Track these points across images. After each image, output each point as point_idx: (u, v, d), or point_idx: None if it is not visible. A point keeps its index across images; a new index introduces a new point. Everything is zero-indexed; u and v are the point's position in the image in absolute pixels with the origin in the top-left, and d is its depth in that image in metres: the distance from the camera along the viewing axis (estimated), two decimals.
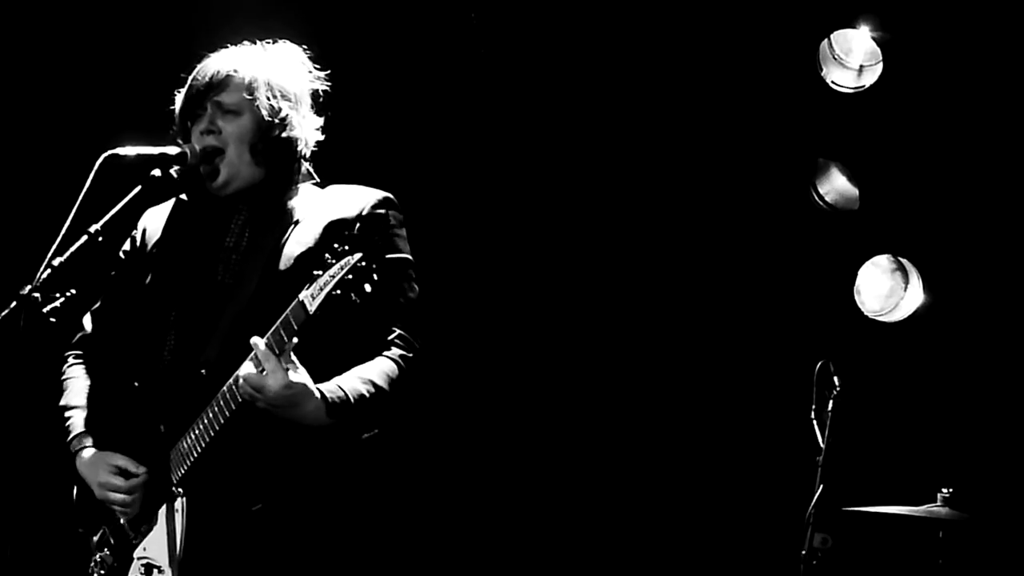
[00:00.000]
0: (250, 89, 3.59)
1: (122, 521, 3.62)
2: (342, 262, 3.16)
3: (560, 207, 6.08)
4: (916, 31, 5.72)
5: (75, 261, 3.30)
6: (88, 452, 3.66)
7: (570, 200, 6.08)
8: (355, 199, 3.62)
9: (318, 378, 3.36)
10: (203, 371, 3.48)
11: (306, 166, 3.74)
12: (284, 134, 3.63)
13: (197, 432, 3.44)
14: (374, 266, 3.15)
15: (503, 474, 6.07)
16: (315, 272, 3.20)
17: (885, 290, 6.07)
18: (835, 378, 5.22)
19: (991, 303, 5.91)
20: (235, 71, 3.61)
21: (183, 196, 3.75)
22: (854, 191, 6.03)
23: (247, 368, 3.30)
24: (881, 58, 5.79)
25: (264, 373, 3.26)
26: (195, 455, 3.45)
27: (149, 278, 3.69)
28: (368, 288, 3.14)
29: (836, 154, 6.05)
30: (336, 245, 3.20)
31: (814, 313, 5.98)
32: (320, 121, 3.75)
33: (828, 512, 5.08)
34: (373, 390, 3.43)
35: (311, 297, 3.18)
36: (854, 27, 5.78)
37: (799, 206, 6.08)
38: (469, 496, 6.06)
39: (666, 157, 6.05)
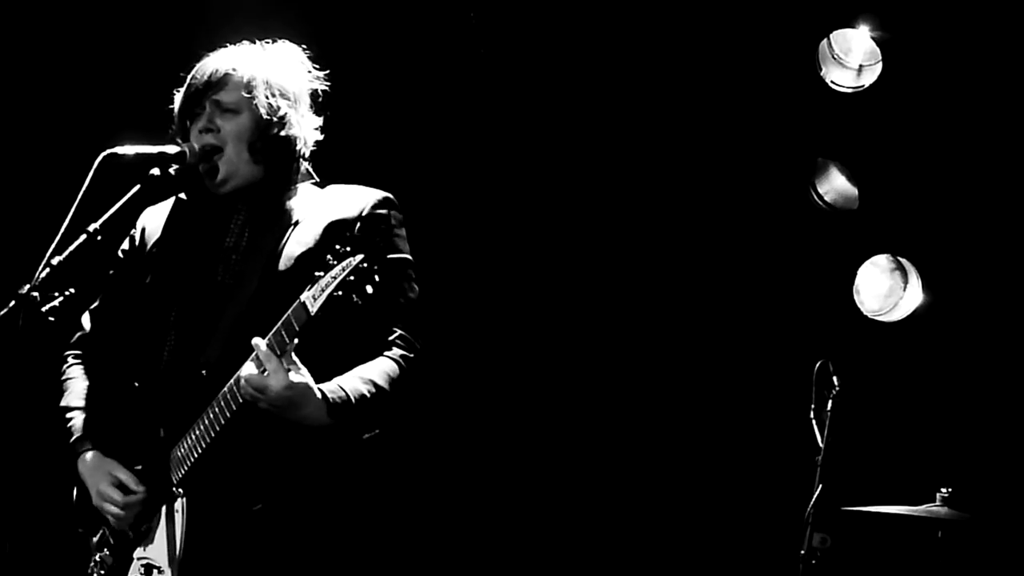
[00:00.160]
0: (249, 88, 3.59)
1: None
2: (344, 263, 3.16)
3: (560, 207, 6.08)
4: (915, 31, 5.72)
5: (74, 260, 3.30)
6: (90, 455, 3.66)
7: (570, 200, 6.08)
8: (355, 199, 3.62)
9: (319, 378, 3.36)
10: (203, 372, 3.48)
11: (305, 165, 3.74)
12: (283, 133, 3.63)
13: (197, 433, 3.44)
14: (376, 267, 3.15)
15: (503, 474, 6.07)
16: (316, 273, 3.20)
17: (884, 290, 6.07)
18: (834, 378, 5.22)
19: (990, 303, 5.91)
20: (234, 70, 3.61)
21: (182, 195, 3.75)
22: (853, 191, 6.03)
23: (249, 369, 3.30)
24: (880, 58, 5.79)
25: (266, 374, 3.27)
26: (195, 456, 3.45)
27: (149, 278, 3.68)
28: (370, 289, 3.14)
29: (835, 154, 6.05)
30: (337, 246, 3.20)
31: (813, 313, 5.98)
32: (319, 121, 3.75)
33: (827, 512, 5.08)
34: (374, 390, 3.43)
35: (313, 298, 3.18)
36: (853, 27, 5.78)
37: (798, 206, 6.07)
38: (469, 496, 6.06)
39: (666, 157, 6.05)
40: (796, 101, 5.92)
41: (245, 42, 3.72)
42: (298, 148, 3.67)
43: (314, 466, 3.49)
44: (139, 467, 3.60)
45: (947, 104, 5.78)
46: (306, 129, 3.70)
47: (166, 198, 3.79)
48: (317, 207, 3.62)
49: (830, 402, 5.19)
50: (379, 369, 3.48)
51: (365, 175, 3.77)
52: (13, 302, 3.24)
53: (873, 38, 5.76)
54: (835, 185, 6.10)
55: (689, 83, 5.95)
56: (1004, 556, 5.65)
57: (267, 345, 3.27)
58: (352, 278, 3.14)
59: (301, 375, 3.30)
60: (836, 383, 5.21)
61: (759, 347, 6.00)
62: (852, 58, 5.90)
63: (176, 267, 3.65)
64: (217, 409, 3.40)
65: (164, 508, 3.53)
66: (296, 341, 3.25)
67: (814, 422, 5.19)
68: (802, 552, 5.05)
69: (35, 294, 3.24)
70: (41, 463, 4.63)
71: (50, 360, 3.89)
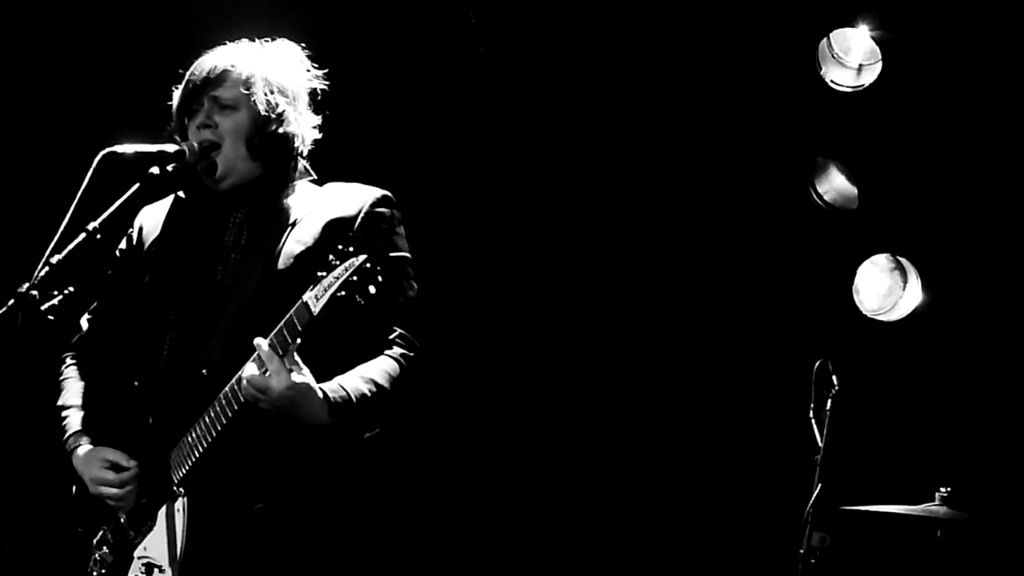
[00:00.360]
0: (247, 84, 3.59)
1: (122, 519, 3.62)
2: (346, 263, 3.16)
3: (560, 206, 6.08)
4: (915, 30, 5.72)
5: (73, 259, 3.30)
6: (83, 449, 3.66)
7: (570, 199, 6.08)
8: (354, 197, 3.62)
9: (320, 377, 3.36)
10: (204, 371, 3.48)
11: (303, 163, 3.74)
12: (280, 130, 3.63)
13: (198, 432, 3.44)
14: (378, 267, 3.15)
15: (503, 474, 6.07)
16: (319, 273, 3.20)
17: (884, 289, 6.07)
18: (833, 377, 5.21)
19: (990, 302, 5.91)
20: (232, 66, 3.61)
21: (180, 194, 3.75)
22: (853, 190, 6.02)
23: (250, 369, 3.30)
24: (880, 57, 5.79)
25: (267, 374, 3.27)
26: (196, 455, 3.45)
27: (147, 277, 3.68)
28: (372, 290, 3.14)
29: (835, 153, 6.05)
30: (340, 245, 3.20)
31: (813, 312, 5.97)
32: (318, 119, 3.75)
33: (826, 511, 5.07)
34: (375, 389, 3.43)
35: (315, 298, 3.18)
36: (853, 26, 5.78)
37: (798, 205, 6.07)
38: (469, 496, 6.06)
39: (665, 156, 6.05)
40: (796, 100, 5.92)
41: (244, 40, 3.72)
42: (296, 146, 3.67)
43: (315, 465, 3.49)
44: (136, 463, 3.60)
45: (947, 104, 5.78)
46: (304, 127, 3.70)
47: (164, 196, 3.79)
48: (316, 205, 3.62)
49: (829, 401, 5.18)
50: (380, 368, 3.48)
51: (364, 174, 3.77)
52: (12, 300, 3.23)
53: (873, 37, 5.76)
54: (835, 184, 6.10)
55: (689, 82, 5.95)
56: (1003, 556, 5.65)
57: (269, 345, 3.27)
58: (355, 278, 3.14)
59: (303, 375, 3.30)
60: (835, 382, 5.20)
61: (759, 346, 6.00)
62: (852, 57, 5.90)
63: (175, 266, 3.64)
64: (218, 409, 3.40)
65: (165, 507, 3.53)
66: (298, 341, 3.25)
67: (813, 421, 5.19)
68: (801, 551, 5.04)
69: (34, 293, 3.24)
70: (41, 463, 4.63)
71: (50, 359, 3.89)
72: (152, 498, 3.56)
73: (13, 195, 5.61)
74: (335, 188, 3.70)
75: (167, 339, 3.58)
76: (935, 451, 5.74)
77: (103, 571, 3.62)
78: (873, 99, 5.82)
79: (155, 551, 3.52)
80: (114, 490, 3.57)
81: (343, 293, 3.15)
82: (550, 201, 6.07)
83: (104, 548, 3.63)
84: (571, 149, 6.05)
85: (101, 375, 3.80)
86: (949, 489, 4.98)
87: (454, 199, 6.00)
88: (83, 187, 3.35)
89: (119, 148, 3.45)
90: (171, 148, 3.54)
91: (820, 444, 5.14)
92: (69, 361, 3.87)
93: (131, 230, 3.81)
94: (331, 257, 3.19)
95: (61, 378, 3.84)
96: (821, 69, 5.90)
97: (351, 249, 3.18)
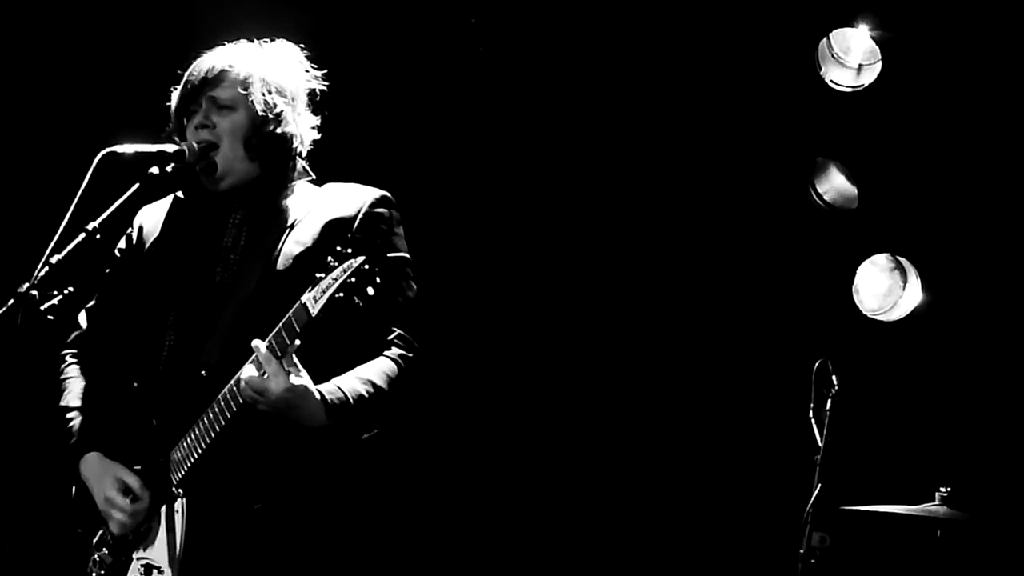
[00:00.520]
0: (245, 85, 3.59)
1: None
2: (345, 265, 3.15)
3: (559, 206, 6.08)
4: (915, 30, 5.71)
5: (73, 258, 3.30)
6: (93, 457, 3.64)
7: (569, 199, 6.08)
8: (353, 198, 3.62)
9: (318, 378, 3.36)
10: (203, 372, 3.47)
11: (302, 164, 3.74)
12: (278, 130, 3.63)
13: (197, 433, 3.44)
14: (377, 269, 3.15)
15: (503, 474, 6.07)
16: (317, 274, 3.19)
17: (883, 289, 6.07)
18: (833, 377, 5.21)
19: (990, 302, 5.90)
20: (230, 66, 3.61)
21: (179, 194, 3.75)
22: (853, 190, 6.02)
23: (249, 371, 3.30)
24: (880, 57, 5.79)
25: (266, 376, 3.27)
26: (195, 456, 3.45)
27: (146, 277, 3.68)
28: (371, 291, 3.14)
29: (835, 153, 6.05)
30: (338, 247, 3.19)
31: (812, 312, 5.97)
32: (317, 120, 3.75)
33: (826, 511, 5.07)
34: (373, 390, 3.43)
35: (313, 300, 3.18)
36: (853, 26, 5.78)
37: (798, 205, 6.07)
38: (468, 496, 6.05)
39: (665, 156, 6.05)
40: (796, 100, 5.91)
41: (243, 40, 3.72)
42: (294, 146, 3.67)
43: (313, 466, 3.49)
44: (139, 467, 3.59)
45: (947, 103, 5.78)
46: (303, 127, 3.70)
47: (164, 196, 3.79)
48: (314, 206, 3.62)
49: (829, 401, 5.18)
50: (378, 369, 3.48)
51: (363, 174, 3.77)
52: (12, 300, 3.23)
53: (872, 37, 5.76)
54: (834, 184, 6.10)
55: (689, 82, 5.94)
56: (1003, 556, 5.64)
57: (267, 347, 3.27)
58: (353, 280, 3.14)
59: (301, 377, 3.30)
60: (835, 382, 5.20)
61: (759, 346, 6.00)
62: (852, 57, 5.90)
63: (174, 267, 3.64)
64: (216, 410, 3.40)
65: (164, 509, 3.52)
66: (297, 343, 3.25)
67: (813, 421, 5.19)
68: (801, 551, 5.04)
69: (34, 292, 3.24)
70: (40, 462, 4.63)
71: (49, 358, 3.88)
72: (152, 499, 3.56)
73: (13, 195, 5.60)
74: (334, 188, 3.69)
75: (166, 340, 3.58)
76: (935, 451, 5.74)
77: (102, 572, 3.61)
78: (873, 99, 5.82)
79: (154, 552, 3.52)
80: (123, 517, 3.56)
81: (341, 295, 3.14)
82: (550, 201, 6.07)
83: (103, 549, 3.62)
84: (571, 149, 6.05)
85: (101, 375, 3.79)
86: (949, 489, 4.98)
87: (454, 199, 6.00)
88: (83, 187, 3.35)
89: (119, 148, 3.45)
90: (170, 148, 3.54)
91: (820, 444, 5.14)
92: (69, 360, 3.86)
93: (130, 230, 3.80)
94: (329, 258, 3.18)
95: (62, 377, 3.83)
96: (821, 69, 5.90)
97: (349, 250, 3.17)
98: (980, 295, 5.91)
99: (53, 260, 3.28)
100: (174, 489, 3.50)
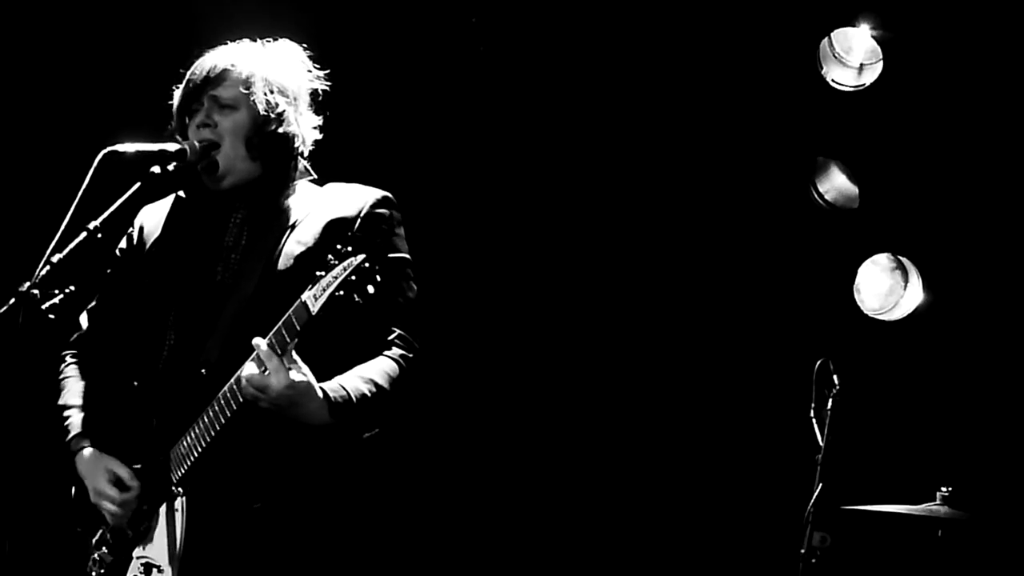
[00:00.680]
0: (247, 84, 3.59)
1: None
2: (345, 263, 3.15)
3: (560, 206, 6.08)
4: (916, 30, 5.72)
5: (74, 258, 3.30)
6: (88, 452, 3.66)
7: (570, 199, 6.08)
8: (354, 198, 3.62)
9: (319, 377, 3.36)
10: (203, 371, 3.47)
11: (303, 163, 3.73)
12: (280, 130, 3.62)
13: (197, 432, 3.44)
14: (377, 267, 3.15)
15: (503, 474, 6.07)
16: (317, 273, 3.19)
17: (885, 288, 6.07)
18: (834, 376, 5.22)
19: (991, 302, 5.91)
20: (232, 66, 3.60)
21: (181, 193, 3.75)
22: (854, 189, 6.03)
23: (249, 369, 3.30)
24: (881, 56, 5.79)
25: (267, 373, 3.26)
26: (195, 455, 3.45)
27: (147, 277, 3.68)
28: (371, 289, 3.14)
29: (836, 152, 6.05)
30: (339, 246, 3.19)
31: (814, 311, 5.97)
32: (318, 120, 3.74)
33: (827, 511, 5.07)
34: (375, 389, 3.43)
35: (314, 298, 3.18)
36: (854, 25, 5.78)
37: (799, 204, 6.07)
38: (469, 496, 6.06)
39: (666, 156, 6.05)
40: (797, 100, 5.92)
41: (246, 40, 3.72)
42: (296, 146, 3.67)
43: (314, 465, 3.49)
44: (138, 466, 3.60)
45: (948, 103, 5.78)
46: (304, 127, 3.69)
47: (165, 196, 3.78)
48: (316, 206, 3.61)
49: (830, 401, 5.19)
50: (379, 368, 3.47)
51: (364, 174, 3.76)
52: (13, 300, 3.23)
53: (874, 37, 5.76)
54: (836, 184, 6.10)
55: (690, 82, 5.94)
56: (1004, 555, 5.64)
57: (268, 344, 3.27)
58: (353, 278, 3.14)
59: (303, 373, 3.30)
60: (836, 382, 5.21)
61: (759, 346, 6.00)
62: (853, 57, 5.90)
63: (175, 266, 3.64)
64: (217, 408, 3.40)
65: (164, 507, 3.52)
66: (296, 340, 3.25)
67: (814, 421, 5.19)
68: (802, 551, 5.04)
69: (35, 292, 3.24)
70: (40, 461, 4.63)
71: (50, 358, 3.88)
72: (151, 498, 3.56)
73: (13, 195, 5.60)
74: (335, 188, 3.69)
75: (167, 339, 3.58)
76: (935, 451, 5.74)
77: (102, 571, 3.61)
78: (874, 98, 5.82)
79: (154, 551, 3.52)
80: (113, 507, 3.57)
81: (341, 293, 3.14)
82: (550, 201, 6.07)
83: (103, 548, 3.63)
84: (572, 149, 6.05)
85: (101, 374, 3.80)
86: (949, 489, 4.98)
87: (454, 200, 6.00)
88: (84, 186, 3.35)
89: (120, 147, 3.44)
90: (172, 147, 3.53)
91: (821, 444, 5.14)
92: (69, 360, 3.86)
93: (131, 229, 3.80)
94: (330, 257, 3.18)
95: (61, 377, 3.84)
96: (822, 68, 5.90)
97: (350, 249, 3.17)
98: (980, 295, 5.91)
99: (54, 259, 3.27)
100: (174, 488, 3.50)
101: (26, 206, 5.39)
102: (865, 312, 6.00)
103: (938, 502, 4.99)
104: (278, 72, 3.65)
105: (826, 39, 5.88)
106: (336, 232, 3.49)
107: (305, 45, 3.78)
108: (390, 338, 3.53)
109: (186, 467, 3.47)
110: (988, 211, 5.87)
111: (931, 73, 5.76)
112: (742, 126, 5.99)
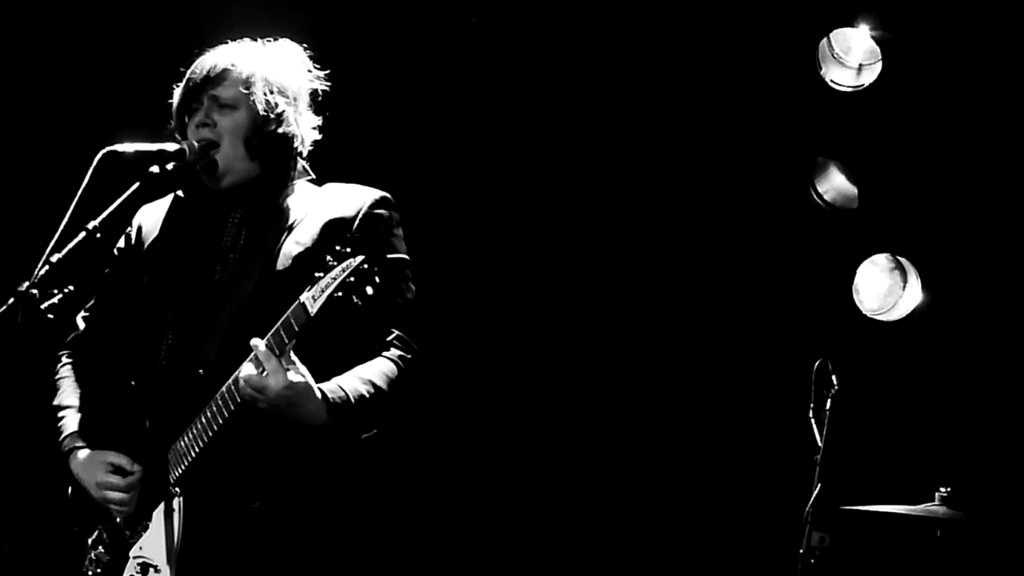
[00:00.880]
0: (247, 84, 3.59)
1: (118, 520, 3.61)
2: (344, 264, 3.16)
3: (559, 206, 6.08)
4: (915, 30, 5.71)
5: (73, 257, 3.30)
6: (83, 452, 3.66)
7: (569, 199, 6.08)
8: (353, 198, 3.62)
9: (317, 378, 3.36)
10: (200, 371, 3.47)
11: (302, 163, 3.74)
12: (280, 130, 3.62)
13: (195, 432, 3.44)
14: (376, 269, 3.15)
15: (501, 475, 6.07)
16: (316, 274, 3.20)
17: (884, 289, 6.06)
18: (833, 377, 5.21)
19: (990, 302, 5.90)
20: (232, 65, 3.61)
21: (179, 193, 3.75)
22: (853, 190, 6.03)
23: (247, 369, 3.30)
24: (880, 57, 5.79)
25: (265, 374, 3.27)
26: (193, 455, 3.45)
27: (145, 277, 3.68)
28: (370, 291, 3.14)
29: (835, 153, 6.05)
30: (337, 247, 3.20)
31: (812, 312, 5.97)
32: (318, 120, 3.74)
33: (826, 511, 5.07)
34: (373, 391, 3.43)
35: (312, 299, 3.18)
36: (853, 26, 5.78)
37: (798, 205, 6.07)
38: (467, 496, 6.05)
39: (665, 156, 6.05)
40: (796, 100, 5.91)
41: (246, 40, 3.72)
42: (295, 146, 3.67)
43: (312, 465, 3.49)
44: (140, 467, 3.59)
45: (947, 103, 5.78)
46: (304, 127, 3.69)
47: (164, 195, 3.79)
48: (315, 206, 3.62)
49: (829, 401, 5.18)
50: (377, 370, 3.48)
51: (364, 174, 3.76)
52: (12, 299, 3.23)
53: (873, 37, 5.76)
54: (835, 184, 6.10)
55: (689, 82, 5.94)
56: (1003, 556, 5.64)
57: (266, 345, 3.27)
58: (352, 279, 3.14)
59: (301, 374, 3.30)
60: (835, 382, 5.20)
61: (759, 346, 6.00)
62: (852, 57, 5.89)
63: (173, 266, 3.64)
64: (214, 409, 3.40)
65: (161, 507, 3.53)
66: (294, 341, 3.25)
67: (813, 421, 5.19)
68: (801, 551, 5.04)
69: (34, 291, 3.24)
70: (39, 461, 4.63)
71: (49, 358, 3.88)
72: (148, 498, 3.56)
73: (13, 195, 5.60)
74: (334, 189, 3.69)
75: (165, 339, 3.58)
76: (935, 451, 5.74)
77: (99, 570, 3.61)
78: (873, 99, 5.82)
79: (151, 550, 3.52)
80: (119, 494, 3.56)
81: (340, 294, 3.15)
82: (549, 202, 6.07)
83: (100, 547, 3.63)
84: (571, 149, 6.04)
85: (98, 374, 3.79)
86: (949, 489, 4.98)
87: (454, 200, 6.00)
88: (83, 186, 3.35)
89: (119, 147, 3.45)
90: (171, 147, 3.53)
91: (820, 444, 5.14)
92: (65, 360, 3.86)
93: (130, 229, 3.80)
94: (328, 258, 3.19)
95: (57, 377, 3.84)
96: (821, 69, 5.90)
97: (348, 250, 3.18)
98: (980, 295, 5.91)
99: (53, 259, 3.28)
100: (171, 488, 3.50)
101: (26, 206, 5.39)
102: (864, 312, 6.00)
103: (937, 502, 4.98)
104: (278, 72, 3.65)
105: (825, 39, 5.88)
106: (334, 232, 3.49)
107: (305, 45, 3.78)
108: (388, 339, 3.53)
109: (184, 467, 3.47)
110: (987, 211, 5.87)
111: (930, 73, 5.75)
112: (741, 126, 5.98)
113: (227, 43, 3.70)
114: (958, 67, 5.72)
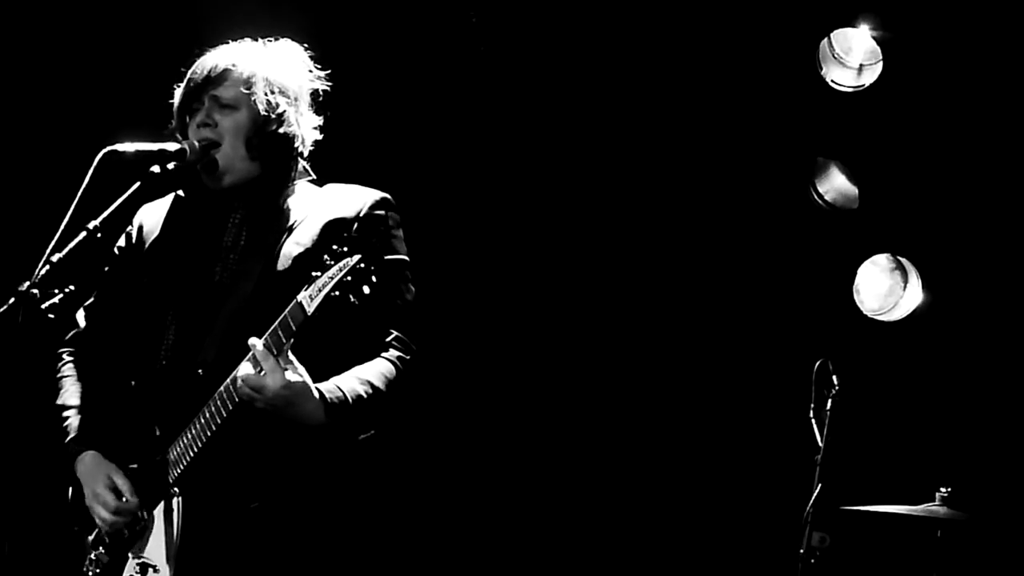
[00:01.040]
0: (248, 84, 3.59)
1: (102, 532, 3.62)
2: (340, 264, 3.16)
3: (559, 207, 6.08)
4: (916, 30, 5.72)
5: (74, 257, 3.30)
6: (89, 456, 3.64)
7: (569, 200, 6.08)
8: (353, 199, 3.62)
9: (315, 378, 3.36)
10: (200, 371, 3.47)
11: (303, 164, 3.74)
12: (280, 130, 3.62)
13: (193, 432, 3.44)
14: (372, 268, 3.16)
15: (500, 475, 6.07)
16: (313, 273, 3.20)
17: (884, 289, 6.06)
18: (834, 377, 5.21)
19: (990, 302, 5.90)
20: (233, 66, 3.61)
21: (180, 192, 3.75)
22: (853, 190, 6.03)
23: (245, 369, 3.30)
24: (881, 57, 5.78)
25: (262, 373, 3.26)
26: (191, 455, 3.45)
27: (146, 276, 3.68)
28: (366, 290, 3.15)
29: (835, 153, 6.05)
30: (335, 246, 3.20)
31: (813, 312, 5.97)
32: (319, 120, 3.75)
33: (826, 511, 5.07)
34: (371, 391, 3.43)
35: (309, 298, 3.18)
36: (854, 26, 5.78)
37: (798, 205, 6.07)
38: (465, 497, 6.05)
39: (666, 156, 6.05)
40: (796, 100, 5.91)
41: (247, 40, 3.72)
42: (296, 146, 3.67)
43: (310, 465, 3.49)
44: (135, 466, 3.59)
45: (948, 103, 5.78)
46: (305, 128, 3.69)
47: (164, 195, 3.79)
48: (315, 206, 3.62)
49: (830, 401, 5.18)
50: (376, 370, 3.48)
51: (364, 175, 3.76)
52: (13, 299, 3.23)
53: (874, 37, 5.76)
54: (835, 184, 6.10)
55: (689, 82, 5.94)
56: (1004, 556, 5.64)
57: (263, 345, 3.27)
58: (349, 279, 3.15)
59: (299, 374, 3.31)
60: (836, 382, 5.20)
61: (759, 346, 6.00)
62: (852, 57, 5.89)
63: (174, 265, 3.64)
64: (213, 408, 3.40)
65: (160, 507, 3.53)
66: (292, 341, 3.25)
67: (813, 421, 5.19)
68: (801, 551, 5.04)
69: (35, 291, 3.24)
70: (39, 460, 4.64)
71: (50, 357, 3.88)
72: (148, 498, 3.56)
73: (13, 195, 5.60)
74: (335, 189, 3.70)
75: (165, 338, 3.58)
76: (935, 451, 5.74)
77: (98, 571, 3.61)
78: (874, 99, 5.82)
79: (150, 550, 3.52)
80: (107, 514, 3.56)
81: (337, 293, 3.15)
82: (549, 202, 6.07)
83: (99, 548, 3.63)
84: (571, 149, 6.04)
85: (98, 373, 3.79)
86: (949, 489, 4.98)
87: (454, 201, 6.00)
88: (84, 186, 3.35)
89: (120, 146, 3.45)
90: (172, 147, 3.53)
91: (820, 444, 5.14)
92: (66, 358, 3.86)
93: (130, 228, 3.80)
94: (326, 257, 3.19)
95: (59, 376, 3.83)
96: (822, 69, 5.89)
97: (346, 249, 3.18)
98: (980, 295, 5.91)
99: (54, 259, 3.28)
100: (170, 488, 3.50)
101: (26, 206, 5.39)
102: (864, 313, 6.00)
103: (937, 503, 4.98)
104: (279, 72, 3.65)
105: (826, 39, 5.88)
106: (334, 233, 3.49)
107: (306, 45, 3.78)
108: (387, 340, 3.53)
109: (182, 467, 3.47)
110: (987, 211, 5.87)
111: (931, 74, 5.75)
112: (742, 126, 5.98)
113: (228, 43, 3.70)
114: (959, 67, 5.72)
